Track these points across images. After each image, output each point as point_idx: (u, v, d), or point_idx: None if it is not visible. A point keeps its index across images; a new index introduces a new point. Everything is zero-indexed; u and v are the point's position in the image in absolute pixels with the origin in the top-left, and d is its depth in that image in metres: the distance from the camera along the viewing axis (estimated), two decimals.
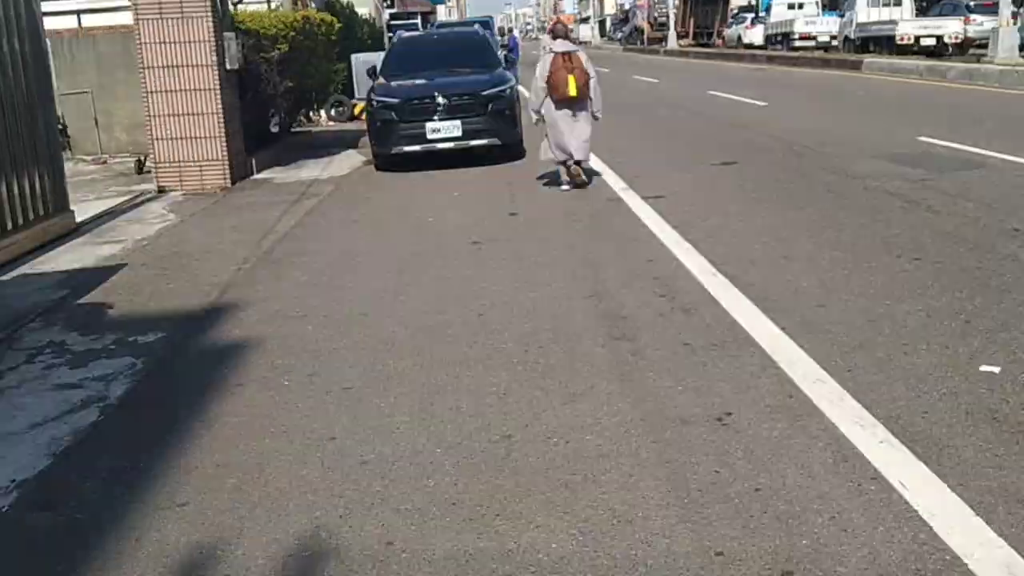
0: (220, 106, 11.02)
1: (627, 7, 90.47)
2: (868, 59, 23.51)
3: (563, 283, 5.77)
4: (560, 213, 8.14)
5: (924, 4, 31.54)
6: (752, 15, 43.73)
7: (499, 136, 11.36)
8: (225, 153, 11.14)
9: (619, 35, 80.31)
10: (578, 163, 9.07)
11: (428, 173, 11.14)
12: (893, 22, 27.09)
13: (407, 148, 11.33)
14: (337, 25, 15.49)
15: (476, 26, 15.25)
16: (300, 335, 5.08)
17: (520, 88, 13.82)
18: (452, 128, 11.19)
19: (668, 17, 51.20)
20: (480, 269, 6.32)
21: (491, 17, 33.50)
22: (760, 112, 15.49)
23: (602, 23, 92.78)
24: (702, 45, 46.88)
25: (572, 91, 8.79)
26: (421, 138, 11.23)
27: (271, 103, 12.49)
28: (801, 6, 37.25)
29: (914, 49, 26.02)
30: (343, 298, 5.80)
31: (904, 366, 4.01)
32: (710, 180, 9.23)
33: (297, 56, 12.84)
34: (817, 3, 37.75)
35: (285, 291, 6.10)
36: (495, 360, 4.45)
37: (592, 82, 8.93)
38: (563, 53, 8.90)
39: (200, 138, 11.12)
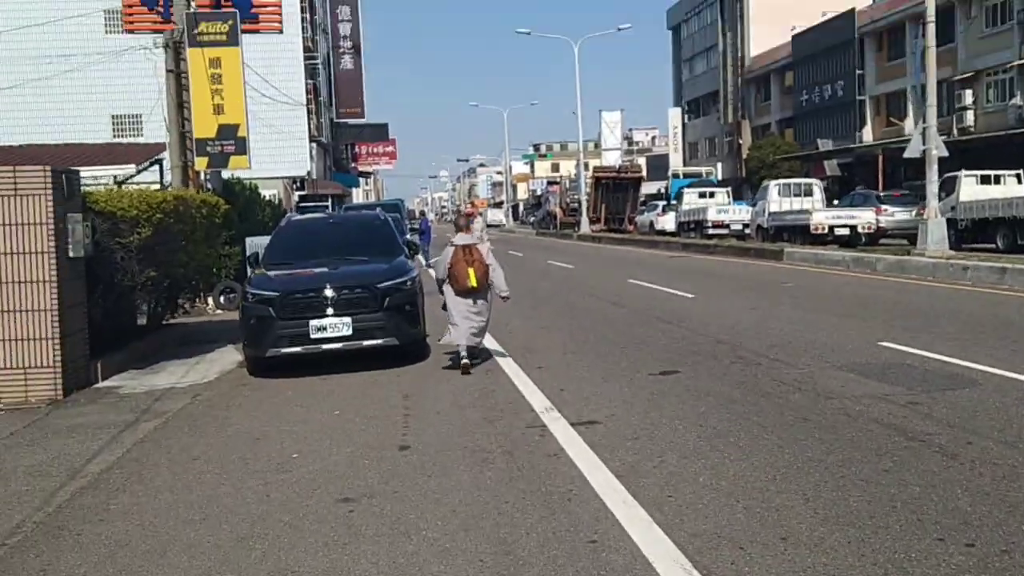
0: (55, 302, 9.05)
1: (539, 193, 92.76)
2: (789, 248, 22.98)
3: None
4: (465, 447, 6.27)
5: (832, 196, 31.92)
6: (663, 203, 44.23)
7: (397, 335, 9.61)
8: (58, 358, 9.07)
9: (531, 219, 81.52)
10: (471, 348, 9.44)
11: (308, 380, 9.23)
12: (806, 211, 26.99)
13: (286, 350, 9.45)
14: (223, 207, 13.84)
15: (377, 210, 13.80)
16: None
17: (427, 276, 12.26)
18: (341, 326, 9.40)
19: (580, 203, 51.66)
20: (345, 552, 4.35)
21: (401, 200, 32.71)
22: (689, 305, 14.19)
23: (515, 207, 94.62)
24: (614, 230, 47.06)
25: (472, 282, 9.29)
26: (304, 338, 9.39)
27: (129, 294, 10.53)
28: (712, 195, 37.63)
29: (828, 239, 25.78)
30: None
31: None
32: (651, 398, 7.54)
33: (166, 240, 11.04)
34: (727, 192, 38.25)
35: None
36: None
37: (492, 269, 9.43)
38: (463, 246, 9.37)
39: (26, 340, 9.05)
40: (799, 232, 26.59)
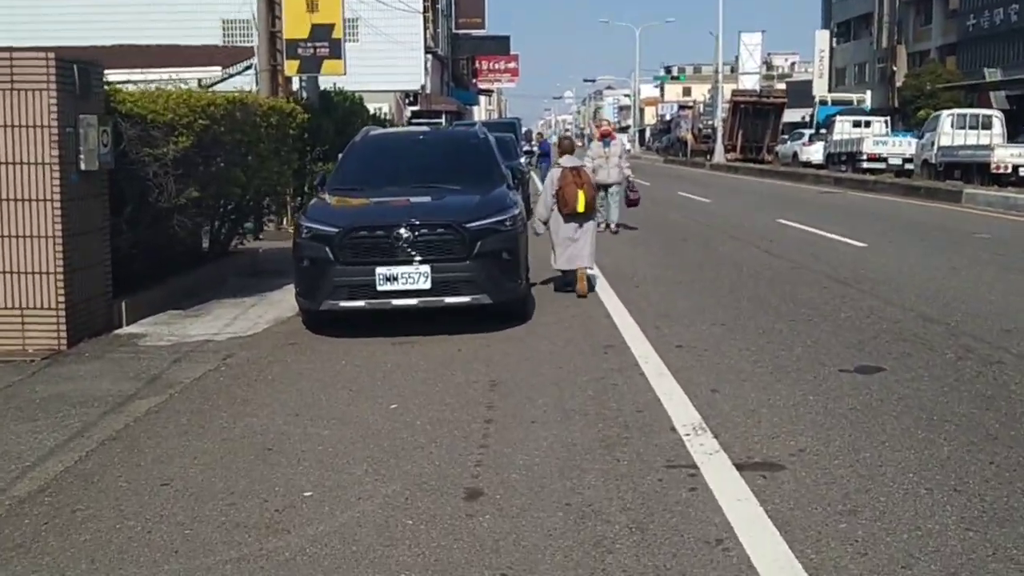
0: (58, 226, 7.07)
1: (668, 117, 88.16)
2: (970, 189, 19.44)
3: None
4: (568, 504, 3.91)
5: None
6: (810, 131, 40.19)
7: (490, 292, 7.27)
8: (61, 298, 7.13)
9: (655, 144, 77.49)
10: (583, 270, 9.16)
11: (372, 344, 7.04)
12: (987, 147, 23.12)
13: (345, 303, 7.26)
14: (300, 115, 11.67)
15: (477, 126, 11.33)
16: None
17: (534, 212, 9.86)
18: (417, 277, 7.12)
19: (714, 129, 47.95)
20: None
21: (517, 119, 29.99)
22: (863, 258, 11.33)
23: (641, 132, 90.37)
24: (751, 160, 43.27)
25: (580, 207, 8.89)
26: (368, 289, 7.17)
27: (169, 218, 8.51)
28: (867, 124, 33.58)
29: (1010, 179, 22.01)
30: None
31: None
32: (856, 420, 4.99)
33: (215, 153, 8.96)
34: (885, 122, 34.09)
35: None
36: None
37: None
38: (571, 168, 9.03)
39: (23, 274, 7.14)
40: (976, 171, 22.83)
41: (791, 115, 58.16)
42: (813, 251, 12.13)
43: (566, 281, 9.28)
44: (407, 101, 33.43)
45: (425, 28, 31.15)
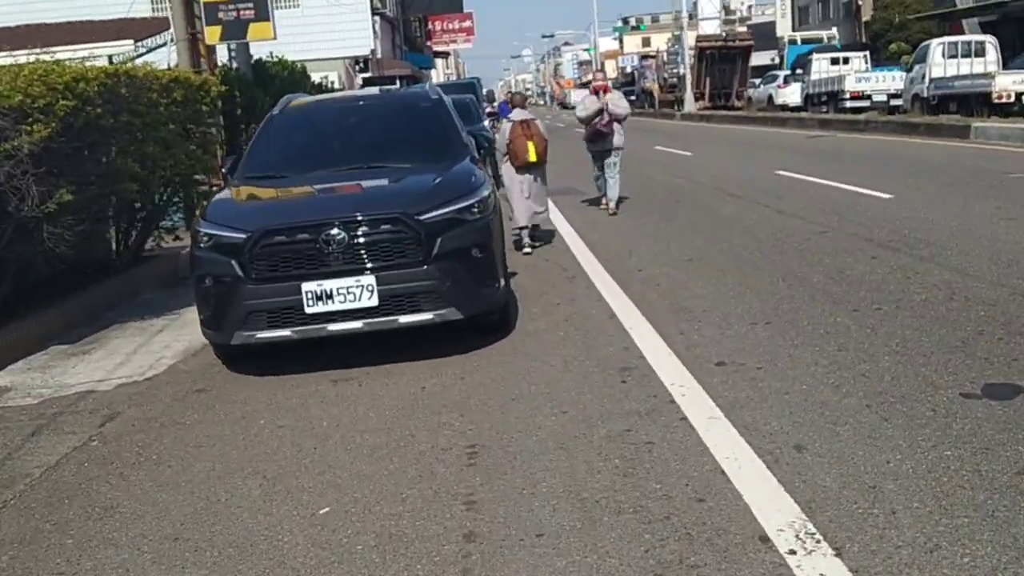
0: None
1: (628, 70, 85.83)
2: (978, 123, 17.72)
3: None
4: None
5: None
6: (783, 73, 38.38)
7: (458, 303, 5.42)
8: None
9: (628, 99, 75.24)
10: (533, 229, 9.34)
11: (305, 384, 5.19)
12: (986, 76, 21.42)
13: (264, 334, 5.38)
14: (216, 88, 9.69)
15: (428, 85, 9.36)
16: None
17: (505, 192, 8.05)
18: (359, 291, 5.25)
19: (680, 78, 46.09)
20: None
21: (477, 79, 27.83)
22: (895, 213, 9.58)
23: None
24: (721, 107, 41.49)
25: (532, 157, 9.03)
26: (293, 313, 5.30)
27: (37, 229, 6.55)
28: (846, 61, 31.81)
29: (1014, 108, 20.36)
30: None
31: None
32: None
33: (93, 142, 7.00)
34: (865, 57, 32.33)
35: None
36: None
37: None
38: (520, 121, 9.23)
39: None
40: (975, 102, 21.14)
41: (758, 58, 56.37)
42: (833, 207, 10.35)
43: (533, 237, 9.31)
44: (357, 68, 31.21)
45: None
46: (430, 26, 48.01)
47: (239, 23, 13.55)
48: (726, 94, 43.93)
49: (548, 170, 9.74)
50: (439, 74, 61.45)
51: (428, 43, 49.03)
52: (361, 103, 7.46)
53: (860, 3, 55.05)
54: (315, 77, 21.72)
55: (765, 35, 66.68)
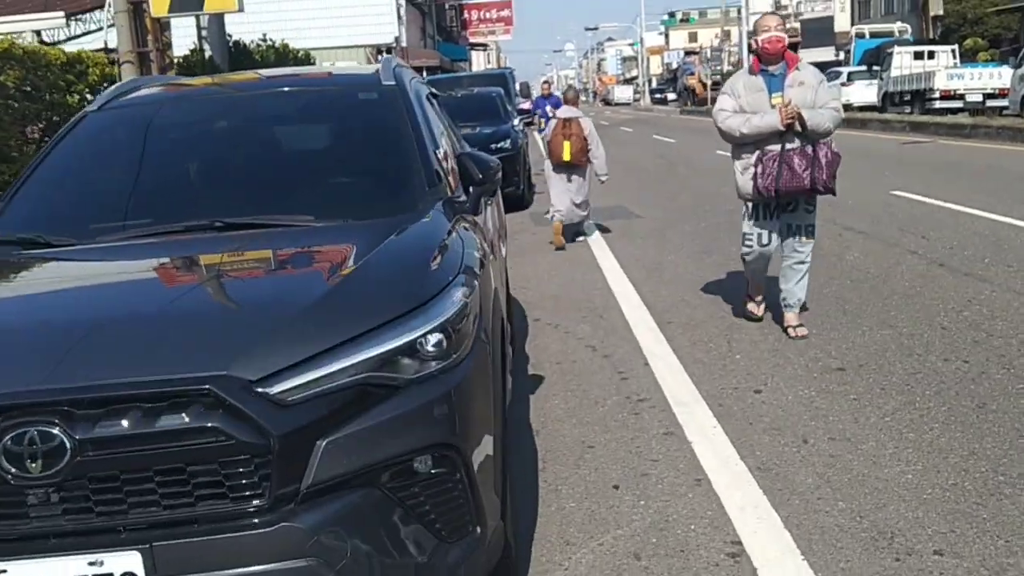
0: None
1: (675, 66, 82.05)
2: None
3: None
4: None
5: None
6: (848, 69, 34.63)
7: None
8: None
9: (657, 96, 72.08)
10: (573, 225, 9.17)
11: None
12: None
13: None
14: (96, 69, 6.51)
15: (382, 65, 4.62)
16: None
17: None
18: None
19: (723, 76, 43.34)
20: None
21: (509, 70, 24.40)
22: None
23: (650, 83, 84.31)
24: None
25: (566, 156, 8.77)
26: None
27: None
28: (931, 55, 28.03)
29: None
30: None
31: None
32: None
33: None
34: (953, 52, 28.53)
35: None
36: None
37: (593, 147, 8.84)
38: (564, 119, 8.88)
39: None
40: None
41: (813, 55, 52.60)
42: (998, 252, 6.98)
43: (576, 233, 9.28)
44: (379, 57, 28.10)
45: None
46: (466, 15, 44.75)
47: None
48: None
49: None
50: (477, 67, 58.25)
51: (464, 33, 45.80)
52: (251, 95, 4.09)
53: None
54: (326, 66, 18.63)
55: (819, 31, 62.67)
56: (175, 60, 11.95)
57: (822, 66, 44.60)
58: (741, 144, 5.30)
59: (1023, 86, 20.76)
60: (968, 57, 34.28)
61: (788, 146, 5.13)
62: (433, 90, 4.79)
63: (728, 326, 5.75)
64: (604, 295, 6.92)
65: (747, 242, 5.51)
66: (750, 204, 5.44)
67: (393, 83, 3.82)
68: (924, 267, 6.97)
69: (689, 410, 4.29)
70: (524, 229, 10.64)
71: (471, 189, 3.60)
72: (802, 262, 5.40)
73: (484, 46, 54.05)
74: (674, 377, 4.81)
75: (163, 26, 11.93)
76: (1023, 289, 6.09)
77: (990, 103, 23.57)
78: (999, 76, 23.18)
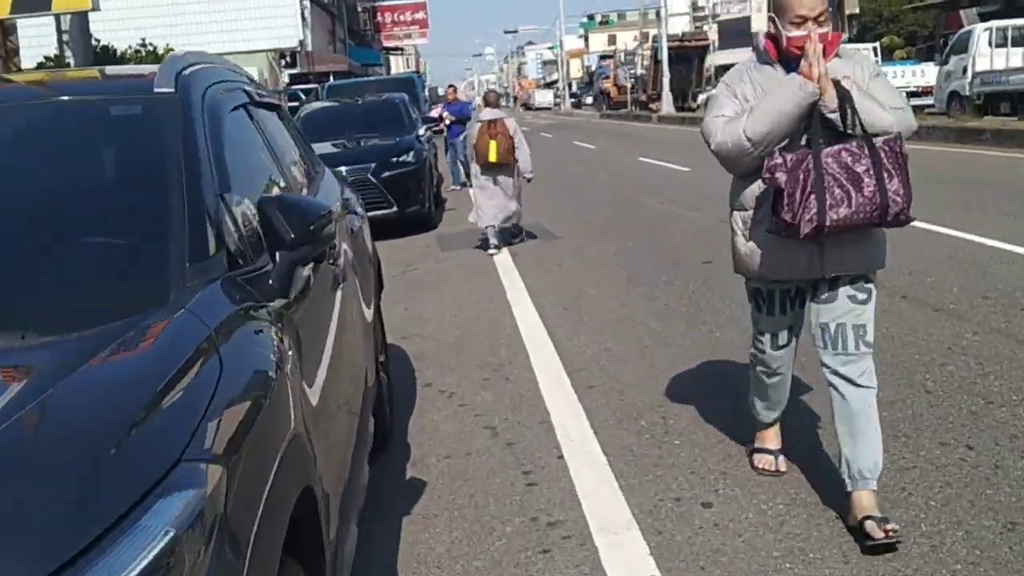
0: None
1: (593, 69, 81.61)
2: None
3: None
4: None
5: None
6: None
7: None
8: None
9: (571, 100, 72.00)
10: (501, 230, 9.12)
11: None
12: None
13: None
14: None
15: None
16: None
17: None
18: None
19: (636, 79, 43.73)
20: None
21: (416, 75, 23.15)
22: None
23: (570, 86, 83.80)
24: (678, 108, 38.47)
25: (492, 157, 8.79)
26: None
27: None
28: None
29: None
30: None
31: None
32: None
33: None
34: (874, 50, 28.12)
35: None
36: None
37: (519, 146, 8.89)
38: (489, 121, 8.95)
39: None
40: None
41: (730, 56, 52.53)
42: (970, 279, 6.00)
43: (512, 233, 9.32)
44: (283, 63, 26.50)
45: None
46: (379, 18, 43.24)
47: None
48: (683, 95, 40.94)
49: None
50: (396, 72, 56.67)
51: (379, 36, 44.30)
52: None
53: None
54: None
55: (738, 31, 62.89)
56: (21, 68, 10.39)
57: (726, 69, 44.87)
58: (747, 175, 3.10)
59: (948, 83, 20.33)
60: (886, 55, 34.17)
61: (826, 148, 2.89)
62: (292, 103, 3.56)
63: (661, 391, 4.60)
64: (511, 344, 5.73)
65: (758, 347, 3.38)
66: (763, 288, 3.27)
67: (171, 91, 2.52)
68: (885, 300, 5.92)
69: (617, 540, 3.11)
70: (428, 255, 9.42)
71: (278, 255, 2.36)
72: (866, 395, 3.09)
73: (400, 50, 52.58)
74: (596, 478, 3.63)
75: (8, 29, 10.41)
76: (1008, 329, 5.10)
77: (914, 102, 23.11)
78: (922, 74, 22.79)
